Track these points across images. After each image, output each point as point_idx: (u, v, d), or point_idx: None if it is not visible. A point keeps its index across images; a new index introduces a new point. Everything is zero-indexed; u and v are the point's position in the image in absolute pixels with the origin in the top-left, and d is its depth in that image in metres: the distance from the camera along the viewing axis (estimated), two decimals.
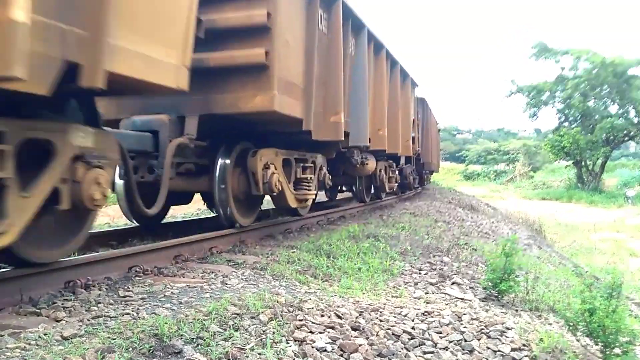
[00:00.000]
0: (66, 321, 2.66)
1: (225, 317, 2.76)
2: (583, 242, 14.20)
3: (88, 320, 2.67)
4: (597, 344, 3.49)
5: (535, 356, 3.35)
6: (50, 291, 3.18)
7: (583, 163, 36.57)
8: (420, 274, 5.27)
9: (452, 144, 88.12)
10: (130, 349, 2.28)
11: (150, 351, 2.30)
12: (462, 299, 4.74)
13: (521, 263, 4.85)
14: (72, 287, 3.31)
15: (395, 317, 3.50)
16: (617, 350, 3.47)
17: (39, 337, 2.40)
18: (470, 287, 5.18)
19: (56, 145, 2.99)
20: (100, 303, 3.01)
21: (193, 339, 2.47)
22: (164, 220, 6.68)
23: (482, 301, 4.81)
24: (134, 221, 5.95)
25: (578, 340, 3.66)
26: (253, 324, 2.77)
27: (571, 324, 3.53)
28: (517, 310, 4.79)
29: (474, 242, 7.97)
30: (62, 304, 2.94)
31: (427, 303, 4.22)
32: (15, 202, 2.69)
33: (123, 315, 2.74)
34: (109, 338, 2.36)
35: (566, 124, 38.17)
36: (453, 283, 5.17)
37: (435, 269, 5.54)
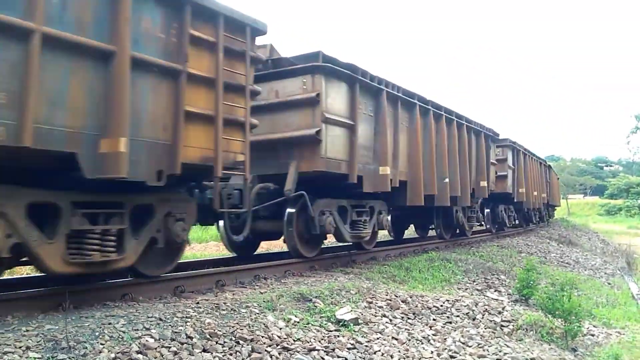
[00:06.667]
0: (260, 288, 5.59)
1: (332, 290, 5.51)
2: None
3: (269, 289, 5.58)
4: (558, 319, 5.66)
5: (519, 325, 5.66)
6: (247, 279, 6.16)
7: None
8: (472, 284, 7.59)
9: (593, 178, 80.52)
10: (289, 297, 5.11)
11: (297, 299, 5.12)
12: (496, 299, 7.00)
13: (538, 276, 6.99)
14: (257, 278, 6.27)
15: (433, 301, 5.99)
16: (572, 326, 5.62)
17: (264, 297, 5.33)
18: (508, 294, 7.38)
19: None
20: (272, 285, 5.93)
21: (317, 296, 5.24)
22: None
23: (512, 302, 7.02)
24: None
25: (549, 320, 5.84)
26: (346, 294, 5.49)
27: (542, 308, 5.75)
28: (537, 309, 6.92)
29: (543, 269, 9.88)
30: (254, 283, 5.91)
31: (465, 298, 6.59)
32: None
33: (282, 287, 5.62)
34: (280, 293, 5.22)
35: None
36: (495, 290, 7.41)
37: (487, 283, 7.79)
